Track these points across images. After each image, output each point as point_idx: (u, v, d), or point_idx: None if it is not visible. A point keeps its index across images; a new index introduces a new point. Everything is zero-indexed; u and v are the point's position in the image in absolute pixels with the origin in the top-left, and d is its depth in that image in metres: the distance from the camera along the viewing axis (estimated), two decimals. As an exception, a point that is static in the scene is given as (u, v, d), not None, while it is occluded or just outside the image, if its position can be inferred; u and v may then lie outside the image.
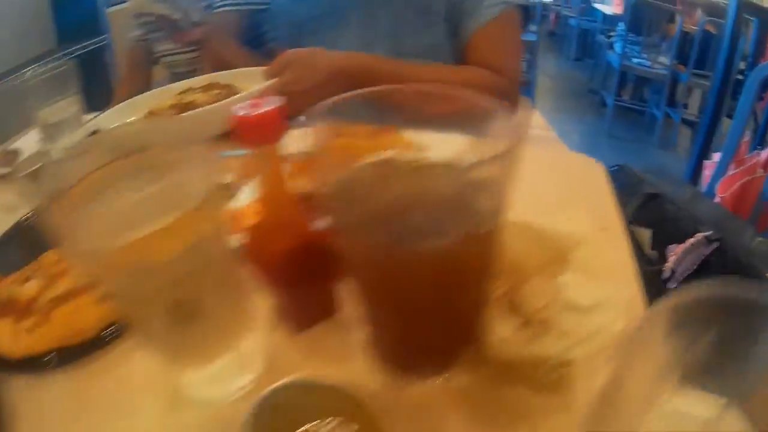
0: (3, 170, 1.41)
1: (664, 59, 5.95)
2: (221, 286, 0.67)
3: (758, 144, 2.77)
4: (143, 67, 2.41)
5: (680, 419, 0.41)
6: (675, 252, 1.57)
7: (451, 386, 0.72)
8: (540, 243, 0.68)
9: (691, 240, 1.57)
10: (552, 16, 9.27)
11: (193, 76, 1.63)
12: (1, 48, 3.76)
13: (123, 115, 1.45)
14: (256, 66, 1.55)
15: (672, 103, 6.07)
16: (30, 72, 1.34)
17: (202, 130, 0.71)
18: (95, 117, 1.48)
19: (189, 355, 0.72)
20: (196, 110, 1.29)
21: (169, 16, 1.96)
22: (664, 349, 0.39)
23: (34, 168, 1.26)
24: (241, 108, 0.66)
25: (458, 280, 0.58)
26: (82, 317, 0.85)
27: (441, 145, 0.66)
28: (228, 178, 0.62)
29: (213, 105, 1.31)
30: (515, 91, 1.77)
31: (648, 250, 1.61)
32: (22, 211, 1.19)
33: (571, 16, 8.53)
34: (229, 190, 0.63)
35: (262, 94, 1.14)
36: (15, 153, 1.49)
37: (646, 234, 1.62)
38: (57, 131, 1.34)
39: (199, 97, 1.47)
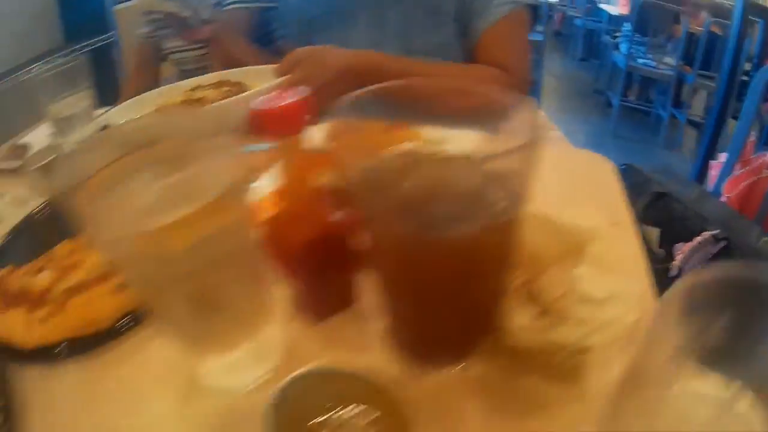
0: (13, 164, 1.42)
1: (670, 60, 5.95)
2: (242, 276, 0.68)
3: (764, 144, 2.77)
4: (151, 64, 2.41)
5: (695, 401, 0.41)
6: (682, 250, 1.58)
7: (468, 376, 0.73)
8: (557, 235, 0.69)
9: (699, 238, 1.58)
10: (558, 17, 9.26)
11: (202, 74, 1.64)
12: (7, 45, 3.78)
13: (133, 112, 1.45)
14: (266, 64, 1.55)
15: (677, 103, 6.07)
16: (41, 67, 1.35)
17: (213, 125, 0.71)
18: (105, 112, 1.49)
19: (208, 344, 0.72)
20: (207, 106, 1.30)
21: (178, 14, 1.96)
22: (680, 332, 0.39)
23: (45, 162, 1.27)
24: (263, 100, 0.66)
25: (480, 269, 0.59)
26: (97, 307, 0.85)
27: (456, 141, 0.66)
28: (251, 169, 0.62)
29: (224, 101, 1.32)
30: (524, 89, 1.77)
31: (656, 248, 1.62)
32: (32, 204, 1.20)
33: (577, 17, 8.52)
34: (251, 181, 0.63)
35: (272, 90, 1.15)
36: (24, 147, 1.50)
37: (654, 232, 1.63)
38: (68, 125, 1.35)
39: (209, 94, 1.47)
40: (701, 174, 3.72)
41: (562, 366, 0.68)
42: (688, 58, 5.77)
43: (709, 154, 3.86)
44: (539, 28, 6.25)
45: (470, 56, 1.72)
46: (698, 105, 6.12)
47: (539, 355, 0.67)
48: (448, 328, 0.66)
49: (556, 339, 0.64)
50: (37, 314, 0.85)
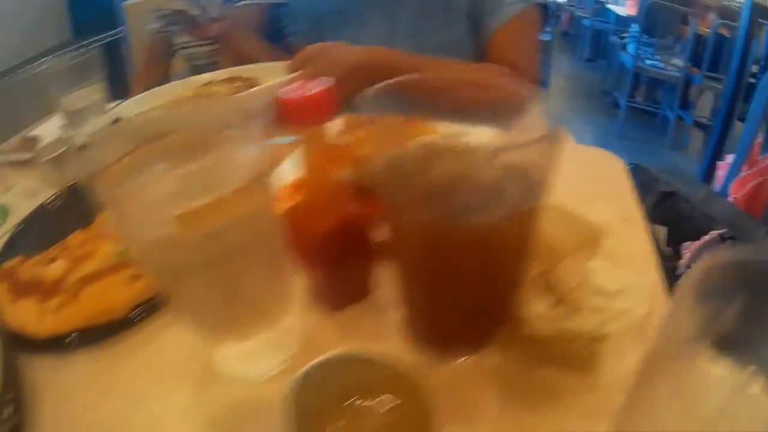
0: (24, 156, 1.43)
1: (678, 61, 5.95)
2: (263, 265, 0.68)
3: (771, 146, 2.77)
4: (162, 60, 2.41)
5: (707, 386, 0.42)
6: (690, 249, 1.59)
7: (484, 365, 0.74)
8: (574, 227, 0.69)
9: (705, 237, 1.58)
10: (565, 17, 9.25)
11: (213, 69, 1.64)
12: (16, 41, 3.79)
13: (144, 105, 1.45)
14: (277, 60, 1.55)
15: (684, 105, 6.06)
16: (54, 60, 1.35)
17: (223, 118, 0.72)
18: (116, 105, 1.50)
19: (226, 332, 0.73)
20: (219, 99, 1.30)
21: (187, 11, 1.97)
22: (695, 317, 0.39)
23: (56, 154, 1.28)
24: (288, 89, 0.67)
25: (499, 258, 0.60)
26: (111, 296, 0.85)
27: (473, 135, 0.66)
28: (273, 159, 0.63)
29: (236, 95, 1.32)
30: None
31: (663, 246, 1.62)
32: (43, 196, 1.21)
33: (585, 17, 8.51)
34: (273, 171, 0.63)
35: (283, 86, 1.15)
36: (34, 139, 1.50)
37: (661, 231, 1.63)
38: (80, 118, 1.35)
39: (220, 89, 1.48)
40: (708, 175, 3.73)
41: (578, 354, 0.69)
42: (695, 60, 5.77)
43: (716, 155, 3.86)
44: (547, 28, 6.25)
45: (481, 54, 1.73)
46: (705, 106, 6.11)
47: (556, 342, 0.67)
48: (465, 317, 0.67)
49: (573, 327, 0.65)
50: (50, 303, 0.85)
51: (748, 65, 4.03)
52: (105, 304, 0.85)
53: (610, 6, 7.74)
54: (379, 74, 0.67)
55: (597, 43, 8.30)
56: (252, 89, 1.35)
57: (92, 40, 3.57)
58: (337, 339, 0.64)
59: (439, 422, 0.54)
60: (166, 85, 1.58)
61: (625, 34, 6.88)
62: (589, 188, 0.71)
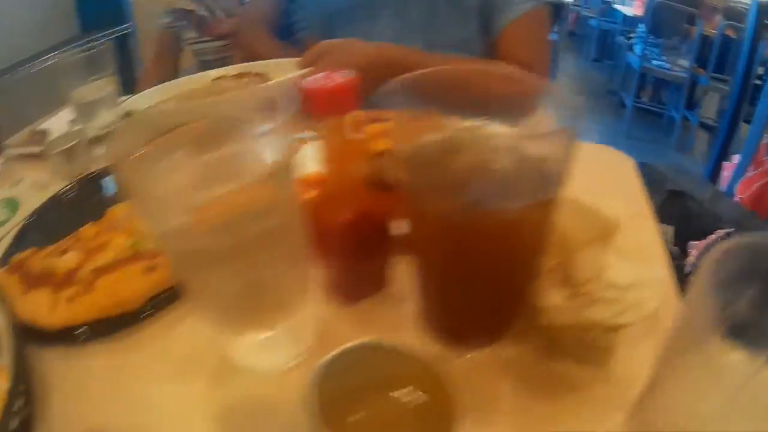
0: (33, 150, 1.43)
1: (684, 62, 5.94)
2: (284, 255, 0.67)
3: (776, 147, 2.78)
4: (171, 54, 2.41)
5: (721, 373, 0.42)
6: (697, 247, 1.59)
7: (499, 357, 0.75)
8: (588, 220, 0.70)
9: (712, 237, 1.58)
10: (572, 17, 9.23)
11: (222, 65, 1.64)
12: (24, 36, 3.79)
13: (155, 99, 1.46)
14: (287, 57, 1.56)
15: (690, 105, 6.06)
16: (65, 53, 1.36)
17: (234, 112, 0.72)
18: (126, 99, 1.50)
19: (245, 323, 0.72)
20: (232, 93, 1.31)
21: (195, 12, 1.97)
22: (710, 304, 0.40)
23: (67, 146, 1.28)
24: (312, 79, 0.68)
25: (518, 247, 0.61)
26: (127, 287, 0.85)
27: (489, 129, 0.67)
28: (295, 150, 0.63)
29: (248, 89, 1.33)
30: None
31: (670, 245, 1.62)
32: (53, 189, 1.21)
33: (591, 17, 8.50)
34: (296, 161, 0.64)
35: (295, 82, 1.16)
36: (43, 133, 1.51)
37: (668, 230, 1.63)
38: (91, 111, 1.35)
39: (232, 84, 1.48)
40: (713, 175, 3.73)
41: (594, 345, 0.70)
42: (701, 61, 5.77)
43: (722, 156, 3.86)
44: (554, 27, 6.25)
45: (491, 55, 1.72)
46: (710, 108, 6.11)
47: (573, 332, 0.68)
48: (481, 309, 0.68)
49: (590, 317, 0.65)
50: (63, 294, 0.85)
51: (754, 67, 4.03)
52: (119, 295, 0.85)
53: (617, 6, 7.75)
54: (391, 71, 0.67)
55: (603, 43, 8.29)
56: (269, 82, 1.36)
57: (100, 35, 3.58)
58: (353, 331, 0.64)
59: (460, 413, 0.54)
60: (177, 79, 1.59)
61: (631, 35, 6.87)
62: (600, 185, 0.71)
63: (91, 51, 1.34)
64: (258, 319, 0.72)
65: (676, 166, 1.95)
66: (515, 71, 0.68)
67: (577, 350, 0.71)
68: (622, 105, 6.53)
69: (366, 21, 1.73)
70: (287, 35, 1.92)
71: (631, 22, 7.27)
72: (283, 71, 1.46)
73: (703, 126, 5.98)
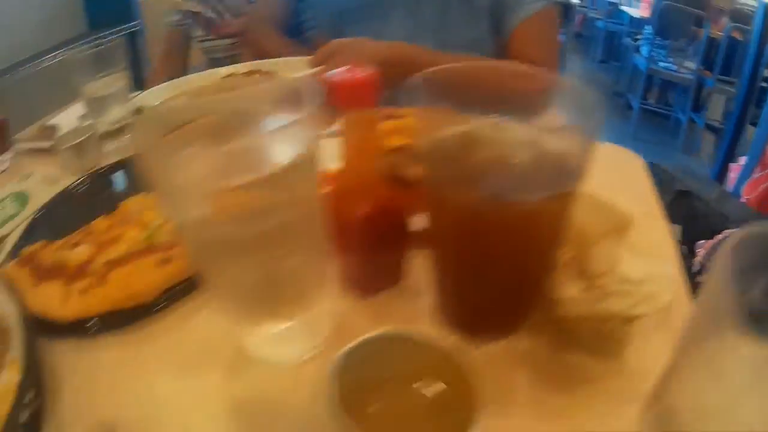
0: (43, 144, 1.44)
1: (691, 64, 5.94)
2: (304, 246, 0.68)
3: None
4: (180, 51, 2.42)
5: (738, 362, 0.42)
6: (704, 247, 1.59)
7: (514, 349, 0.75)
8: (603, 213, 0.71)
9: (719, 236, 1.59)
10: (578, 18, 9.22)
11: (231, 62, 1.65)
12: (31, 32, 3.80)
13: (165, 96, 1.47)
14: (297, 55, 1.56)
15: (696, 107, 6.05)
16: (77, 48, 1.36)
17: (244, 108, 0.73)
18: (136, 95, 1.51)
19: (262, 314, 0.72)
20: (243, 89, 1.31)
21: (202, 14, 1.98)
22: (726, 292, 0.40)
23: (77, 141, 1.29)
24: (336, 73, 0.68)
25: (535, 239, 0.62)
26: (140, 279, 0.85)
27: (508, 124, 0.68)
28: (319, 142, 0.63)
29: (260, 86, 1.33)
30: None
31: (678, 244, 1.63)
32: (63, 183, 1.22)
33: (598, 18, 8.48)
34: (318, 153, 0.64)
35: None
36: (53, 128, 1.51)
37: (676, 229, 1.64)
38: (101, 105, 1.36)
39: (241, 81, 1.48)
40: (720, 177, 3.73)
41: (609, 337, 0.70)
42: (708, 63, 5.76)
43: (728, 157, 3.86)
44: (561, 28, 6.25)
45: (502, 54, 1.72)
46: (716, 110, 6.10)
47: (590, 323, 0.68)
48: (498, 301, 0.69)
49: (608, 307, 0.66)
50: (76, 286, 0.85)
51: (760, 69, 4.03)
52: (134, 286, 0.85)
53: (624, 7, 7.74)
54: (402, 70, 0.67)
55: (610, 44, 8.27)
56: (276, 80, 1.36)
57: (108, 32, 3.59)
58: (370, 323, 0.64)
59: (481, 403, 0.54)
60: (187, 76, 1.60)
61: (638, 36, 6.87)
62: (610, 183, 0.72)
63: (103, 47, 1.35)
64: (275, 311, 0.72)
65: (685, 167, 1.95)
66: (531, 68, 0.68)
67: (592, 342, 0.72)
68: (629, 107, 6.52)
69: (377, 20, 1.73)
70: (296, 34, 1.92)
71: (637, 23, 7.26)
72: (293, 69, 1.47)
73: (709, 128, 5.98)
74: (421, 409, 0.59)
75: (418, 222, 0.81)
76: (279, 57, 1.64)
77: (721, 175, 3.77)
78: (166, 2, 2.40)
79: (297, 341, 0.77)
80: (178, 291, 0.87)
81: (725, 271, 0.38)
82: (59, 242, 0.96)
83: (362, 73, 0.69)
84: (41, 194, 1.21)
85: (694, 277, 0.87)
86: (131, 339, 0.82)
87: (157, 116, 0.69)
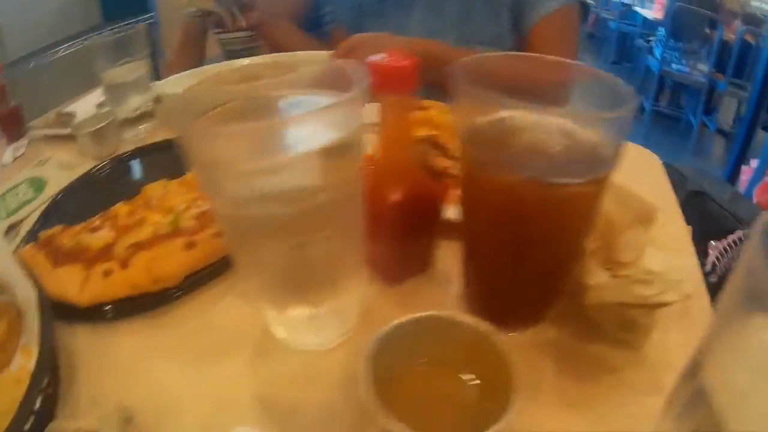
0: (61, 131, 1.45)
1: (703, 66, 5.92)
2: (339, 231, 0.67)
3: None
4: (196, 43, 2.41)
5: (755, 349, 0.42)
6: (716, 247, 1.59)
7: (538, 338, 0.76)
8: (630, 203, 0.72)
9: (732, 237, 1.59)
10: (591, 18, 9.21)
11: (248, 55, 1.65)
12: (46, 23, 3.82)
13: (185, 84, 1.47)
14: (316, 49, 1.56)
15: (708, 110, 6.04)
16: (98, 35, 1.37)
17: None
18: (155, 84, 1.52)
19: (293, 298, 0.72)
20: (267, 80, 1.32)
21: (216, 13, 1.99)
22: (753, 278, 0.40)
23: (95, 128, 1.29)
24: (379, 57, 0.69)
25: (568, 224, 0.64)
26: (166, 263, 0.84)
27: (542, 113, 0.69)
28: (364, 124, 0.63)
29: (284, 77, 1.34)
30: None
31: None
32: (80, 169, 1.23)
33: (611, 19, 8.45)
34: (362, 135, 0.64)
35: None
36: (70, 115, 1.52)
37: (689, 229, 1.64)
38: (122, 93, 1.37)
39: (262, 73, 1.49)
40: (731, 180, 3.73)
41: (633, 325, 0.71)
42: (720, 66, 5.75)
43: (740, 160, 3.86)
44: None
45: (521, 51, 1.72)
46: (728, 113, 6.09)
47: (616, 309, 0.69)
48: (527, 288, 0.70)
49: (634, 292, 0.66)
50: (97, 269, 0.84)
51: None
52: (159, 269, 0.84)
53: (637, 8, 7.72)
54: (423, 65, 0.68)
55: (622, 45, 8.24)
56: (299, 71, 1.36)
57: (123, 24, 3.59)
58: (397, 311, 0.64)
59: (518, 386, 0.55)
60: (206, 66, 1.60)
61: (651, 38, 6.85)
62: (629, 180, 0.72)
63: (124, 33, 1.36)
64: (305, 297, 0.71)
65: (698, 168, 1.95)
66: (562, 60, 0.69)
67: (615, 331, 0.72)
68: (641, 109, 6.51)
69: (398, 15, 1.73)
70: (315, 27, 1.92)
71: (650, 25, 7.24)
72: (314, 64, 1.47)
73: (720, 131, 5.97)
74: (458, 392, 0.60)
75: (448, 211, 0.82)
76: (295, 50, 1.64)
77: (732, 178, 3.77)
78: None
79: (325, 328, 0.76)
80: (204, 276, 0.87)
81: (758, 252, 0.39)
82: (78, 227, 0.96)
83: (403, 59, 0.69)
84: (58, 180, 1.22)
85: (706, 277, 0.88)
86: (150, 324, 0.82)
87: (192, 97, 0.69)
